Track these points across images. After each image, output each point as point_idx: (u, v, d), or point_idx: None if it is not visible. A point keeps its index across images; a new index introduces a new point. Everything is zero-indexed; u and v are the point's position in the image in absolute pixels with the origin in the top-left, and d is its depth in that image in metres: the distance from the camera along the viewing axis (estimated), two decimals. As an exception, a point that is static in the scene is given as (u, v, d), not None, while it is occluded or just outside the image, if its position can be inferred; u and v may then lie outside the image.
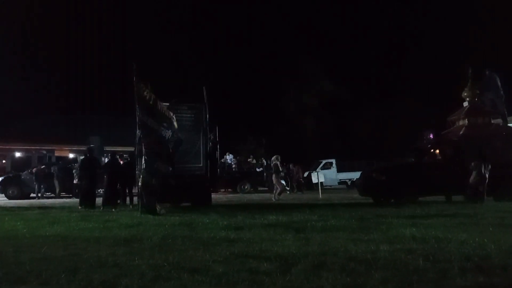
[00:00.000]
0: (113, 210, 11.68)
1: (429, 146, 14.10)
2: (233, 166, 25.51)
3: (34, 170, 20.09)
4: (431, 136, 15.54)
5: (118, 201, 13.11)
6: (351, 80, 41.01)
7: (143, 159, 10.48)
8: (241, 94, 42.28)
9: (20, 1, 39.52)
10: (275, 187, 16.60)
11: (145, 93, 10.61)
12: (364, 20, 50.11)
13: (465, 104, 15.85)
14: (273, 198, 15.94)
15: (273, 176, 16.66)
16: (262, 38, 53.47)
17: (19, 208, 12.86)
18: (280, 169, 16.96)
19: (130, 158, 14.03)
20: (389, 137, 35.23)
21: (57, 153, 31.45)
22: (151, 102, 10.68)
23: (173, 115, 11.29)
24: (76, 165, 17.74)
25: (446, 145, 13.82)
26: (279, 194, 16.25)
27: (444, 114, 17.13)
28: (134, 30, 51.17)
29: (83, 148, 22.16)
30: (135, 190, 13.21)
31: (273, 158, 17.01)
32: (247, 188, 23.18)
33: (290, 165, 23.78)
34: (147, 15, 54.66)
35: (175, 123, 11.22)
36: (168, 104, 12.21)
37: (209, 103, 12.63)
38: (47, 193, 19.48)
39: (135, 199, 13.17)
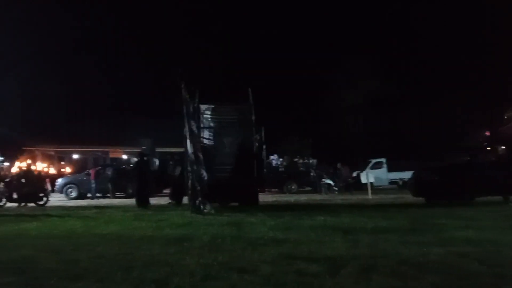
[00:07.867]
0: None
1: (484, 144, 13.48)
2: (280, 166, 25.54)
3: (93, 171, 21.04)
4: (487, 133, 14.84)
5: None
6: (400, 78, 39.84)
7: (190, 162, 10.79)
8: (287, 94, 42.16)
9: (73, 8, 41.59)
10: None
11: (188, 97, 10.95)
12: (413, 16, 48.42)
13: (524, 99, 15.03)
14: None
15: None
16: (310, 35, 52.90)
17: (78, 207, 13.55)
18: None
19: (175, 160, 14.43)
20: (441, 136, 33.92)
21: (111, 155, 32.80)
22: (194, 106, 11.03)
23: (216, 118, 11.54)
24: (131, 166, 18.45)
25: (503, 142, 13.15)
26: None
27: (500, 110, 16.36)
28: (182, 35, 52.32)
29: (136, 149, 23.04)
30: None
31: None
32: (294, 188, 23.11)
33: (338, 165, 23.49)
34: (191, 18, 55.74)
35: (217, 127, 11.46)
36: (214, 106, 12.46)
37: (255, 104, 12.74)
38: (100, 193, 20.35)
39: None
